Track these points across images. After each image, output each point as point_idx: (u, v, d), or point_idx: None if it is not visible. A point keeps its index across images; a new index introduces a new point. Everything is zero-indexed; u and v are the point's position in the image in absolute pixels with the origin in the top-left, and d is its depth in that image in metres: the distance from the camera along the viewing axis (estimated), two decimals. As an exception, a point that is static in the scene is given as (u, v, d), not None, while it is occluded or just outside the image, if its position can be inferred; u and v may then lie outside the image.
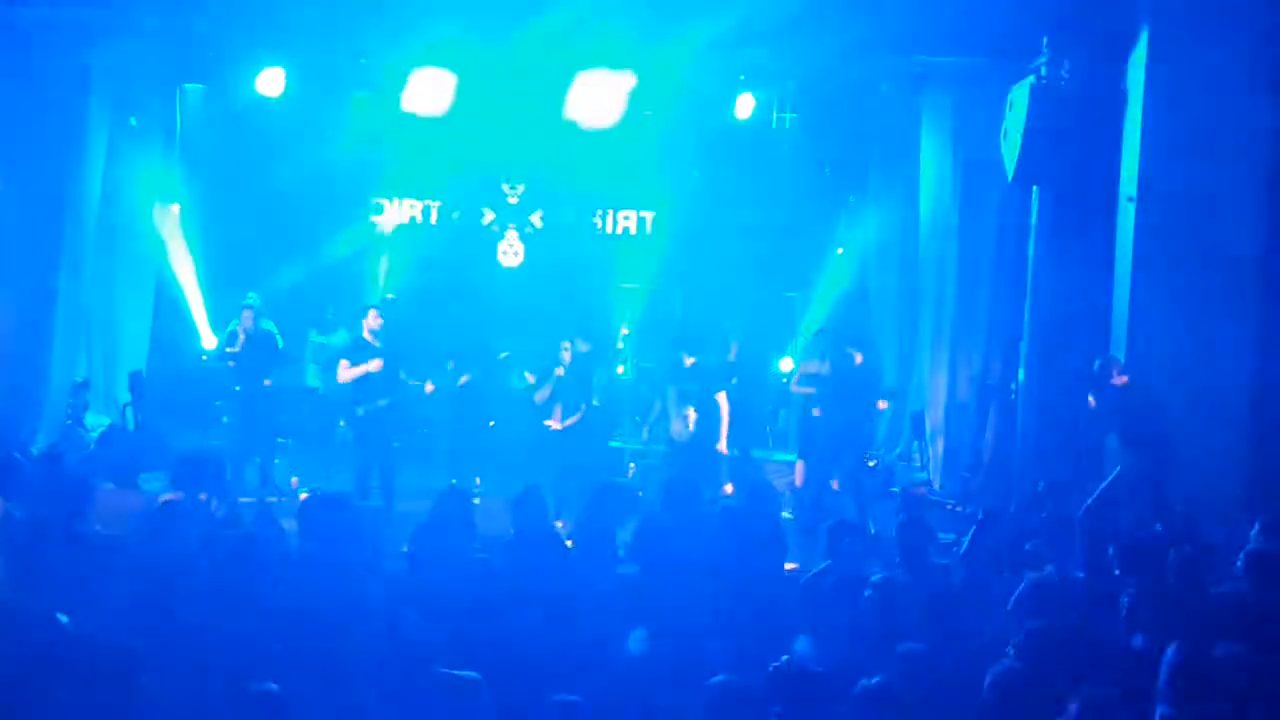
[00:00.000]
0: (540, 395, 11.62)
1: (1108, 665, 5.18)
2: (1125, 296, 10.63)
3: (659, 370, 12.75)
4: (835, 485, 11.53)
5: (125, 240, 13.24)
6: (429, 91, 12.73)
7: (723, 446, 11.12)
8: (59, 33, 11.78)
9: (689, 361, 11.16)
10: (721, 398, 11.15)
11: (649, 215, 15.95)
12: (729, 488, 11.39)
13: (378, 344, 11.00)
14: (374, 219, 15.82)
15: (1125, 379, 9.82)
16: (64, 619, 4.97)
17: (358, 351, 11.10)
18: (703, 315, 15.47)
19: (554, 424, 11.53)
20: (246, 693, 4.31)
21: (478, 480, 11.88)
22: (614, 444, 12.97)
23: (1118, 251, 10.81)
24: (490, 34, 11.78)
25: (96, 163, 12.54)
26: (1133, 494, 9.46)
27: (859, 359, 11.47)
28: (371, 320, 11.10)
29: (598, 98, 12.74)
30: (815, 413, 11.53)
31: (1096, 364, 10.02)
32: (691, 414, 11.04)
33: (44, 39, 11.83)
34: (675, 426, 11.22)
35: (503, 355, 13.02)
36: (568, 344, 11.65)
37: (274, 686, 4.36)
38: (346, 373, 11.03)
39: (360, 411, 10.89)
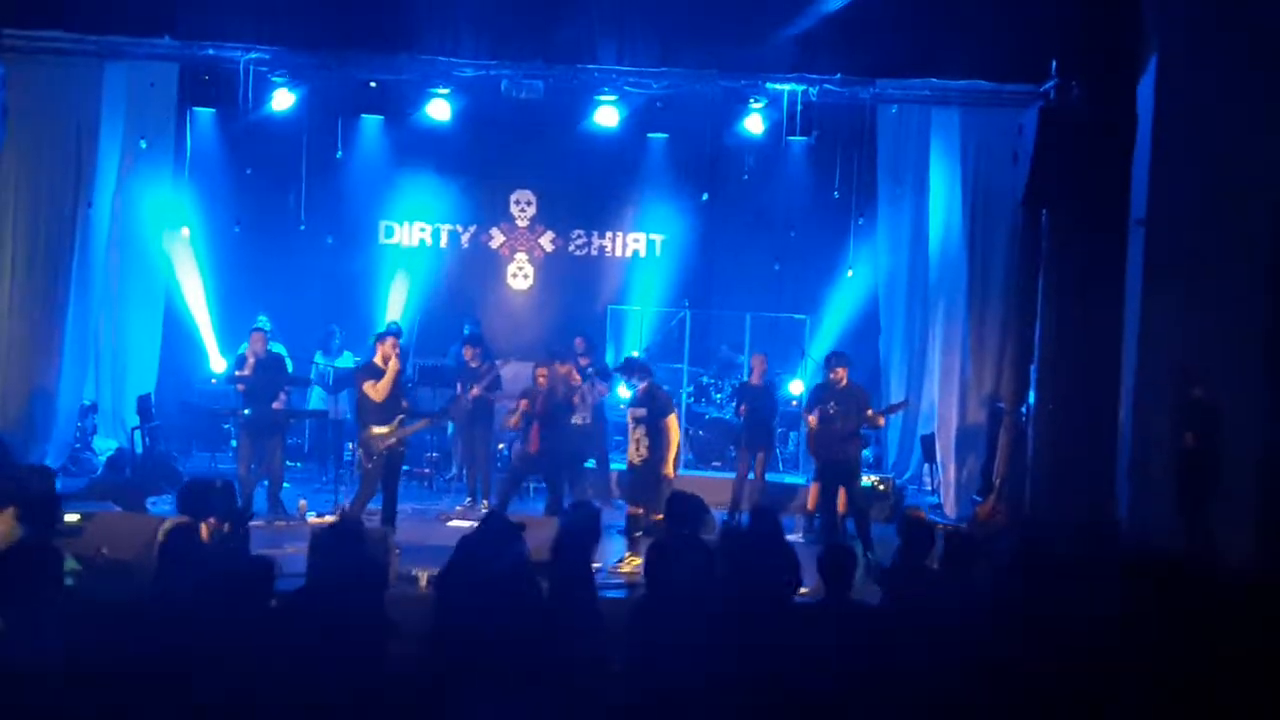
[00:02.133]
0: (513, 421, 11.53)
1: None
2: (1136, 319, 10.59)
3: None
4: (841, 506, 11.41)
5: (135, 263, 13.25)
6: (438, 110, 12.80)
7: (669, 470, 10.90)
8: (71, 55, 11.83)
9: (642, 387, 10.96)
10: (670, 421, 10.93)
11: (659, 238, 15.95)
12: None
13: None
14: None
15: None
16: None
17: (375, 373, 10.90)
18: (711, 338, 15.48)
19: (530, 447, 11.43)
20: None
21: (484, 504, 11.84)
22: (589, 465, 12.83)
23: (1128, 274, 10.78)
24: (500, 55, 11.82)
25: (107, 184, 12.58)
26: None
27: (843, 378, 11.27)
28: (388, 348, 10.79)
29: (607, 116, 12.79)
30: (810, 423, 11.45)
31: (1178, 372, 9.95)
32: (641, 438, 10.84)
33: (56, 61, 11.88)
34: (630, 450, 10.98)
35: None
36: (544, 370, 11.52)
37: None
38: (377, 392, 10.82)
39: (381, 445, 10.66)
